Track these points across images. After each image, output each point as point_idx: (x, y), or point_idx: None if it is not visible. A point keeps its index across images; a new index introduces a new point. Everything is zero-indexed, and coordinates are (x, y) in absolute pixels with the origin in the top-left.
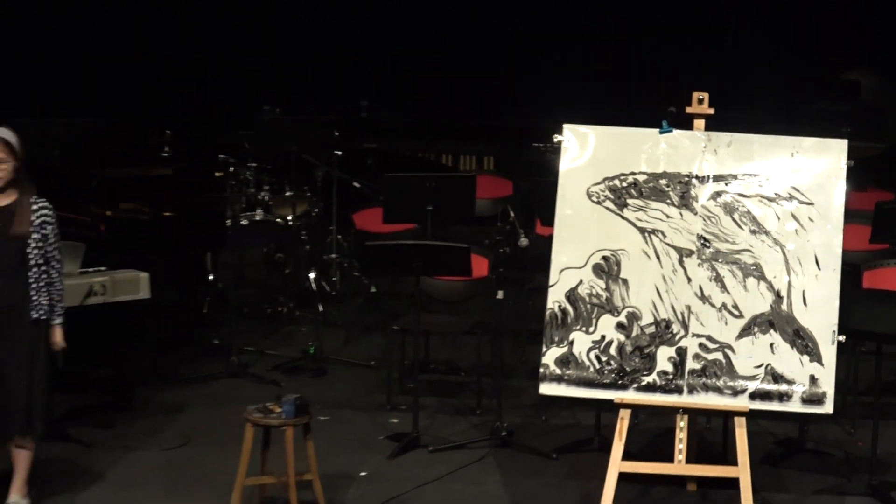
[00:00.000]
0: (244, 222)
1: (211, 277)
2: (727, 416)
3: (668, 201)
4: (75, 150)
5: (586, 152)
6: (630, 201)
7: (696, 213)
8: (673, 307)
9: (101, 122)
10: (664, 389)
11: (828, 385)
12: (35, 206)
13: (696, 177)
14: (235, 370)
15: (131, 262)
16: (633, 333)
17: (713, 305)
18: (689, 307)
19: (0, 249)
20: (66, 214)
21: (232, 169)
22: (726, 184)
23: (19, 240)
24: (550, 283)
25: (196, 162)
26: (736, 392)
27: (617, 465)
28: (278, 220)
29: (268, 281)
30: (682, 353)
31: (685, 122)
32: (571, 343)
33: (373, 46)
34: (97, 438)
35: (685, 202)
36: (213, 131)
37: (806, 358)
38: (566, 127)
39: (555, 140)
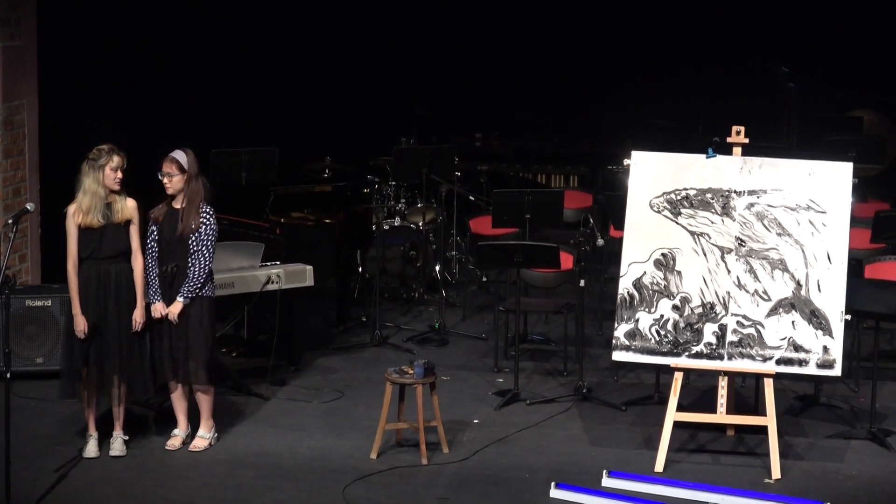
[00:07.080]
0: (386, 227)
1: (360, 269)
2: (758, 377)
3: (713, 210)
4: (258, 173)
5: (649, 172)
6: (683, 210)
7: (734, 220)
8: (716, 293)
9: (277, 151)
10: (709, 357)
11: (837, 353)
12: (201, 211)
13: (735, 191)
14: (378, 340)
15: (300, 257)
16: (685, 313)
17: (747, 291)
18: (728, 293)
19: (173, 241)
20: (249, 221)
21: (377, 186)
22: (758, 197)
23: (184, 235)
24: (621, 273)
25: (349, 181)
26: (765, 359)
27: (672, 414)
28: (412, 225)
29: (403, 272)
30: (723, 328)
31: (726, 149)
32: (637, 321)
33: (485, 93)
34: (273, 392)
35: (726, 211)
36: (363, 157)
37: (820, 332)
38: (634, 153)
39: (625, 163)
